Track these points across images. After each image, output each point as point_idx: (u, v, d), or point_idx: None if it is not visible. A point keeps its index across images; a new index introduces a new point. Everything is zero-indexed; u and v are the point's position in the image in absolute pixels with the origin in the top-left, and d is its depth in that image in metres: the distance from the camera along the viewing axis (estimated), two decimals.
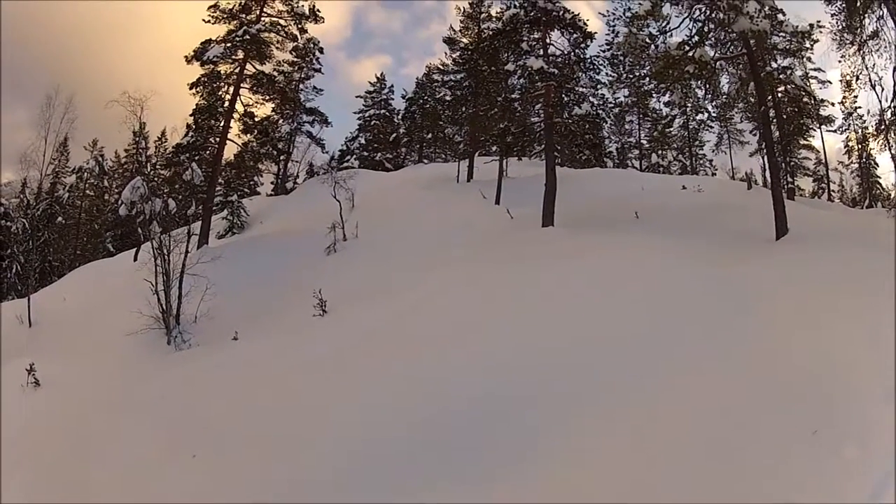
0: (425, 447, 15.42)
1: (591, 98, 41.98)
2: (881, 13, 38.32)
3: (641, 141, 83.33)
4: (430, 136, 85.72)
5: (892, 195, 54.04)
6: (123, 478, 17.90)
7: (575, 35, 40.13)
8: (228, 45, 49.45)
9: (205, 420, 20.02)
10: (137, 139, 75.54)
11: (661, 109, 78.73)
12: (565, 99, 40.73)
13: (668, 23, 34.17)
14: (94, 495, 17.45)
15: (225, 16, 50.20)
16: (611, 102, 74.83)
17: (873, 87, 41.29)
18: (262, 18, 50.73)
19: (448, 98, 72.51)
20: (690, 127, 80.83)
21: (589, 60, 41.19)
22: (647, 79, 40.39)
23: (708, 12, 32.82)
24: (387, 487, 14.44)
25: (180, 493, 16.33)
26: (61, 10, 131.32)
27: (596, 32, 41.07)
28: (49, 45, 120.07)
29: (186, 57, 49.44)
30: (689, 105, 60.70)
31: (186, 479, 16.96)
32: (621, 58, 65.54)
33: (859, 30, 40.13)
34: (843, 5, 40.31)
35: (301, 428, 17.95)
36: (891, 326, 15.29)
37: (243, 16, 50.17)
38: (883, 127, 41.98)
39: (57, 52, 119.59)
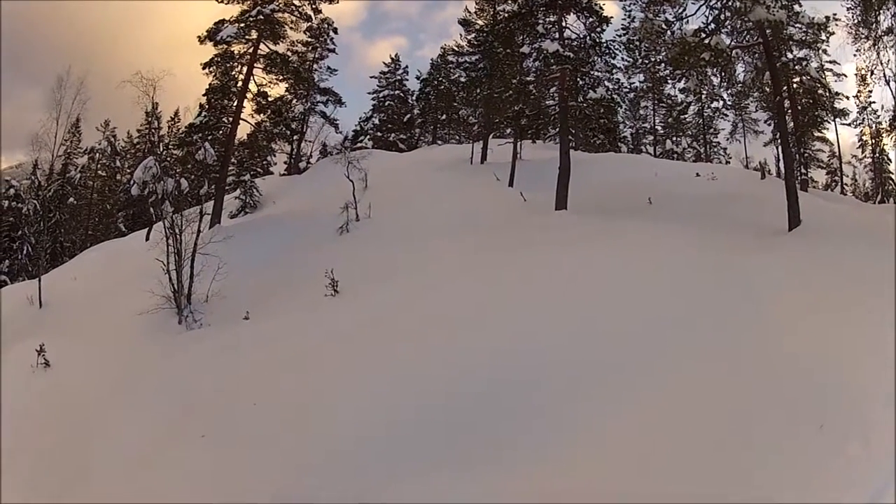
0: (432, 430, 15.49)
1: (606, 82, 42.09)
2: None
3: (656, 127, 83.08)
4: (444, 117, 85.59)
5: None
6: (134, 458, 17.98)
7: (591, 19, 40.06)
8: (242, 25, 49.21)
9: (214, 400, 20.12)
10: (150, 119, 75.48)
11: (676, 96, 78.25)
12: (580, 83, 40.70)
13: (684, 9, 34.05)
14: (105, 475, 17.51)
15: None
16: (626, 87, 75.11)
17: (888, 82, 41.32)
18: None
19: (463, 79, 72.30)
20: (705, 114, 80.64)
21: (605, 45, 41.20)
22: (663, 65, 40.32)
23: (725, 0, 32.69)
24: (395, 469, 14.47)
25: (189, 473, 16.39)
26: None
27: (612, 17, 40.93)
28: (63, 26, 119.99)
29: (200, 37, 49.31)
30: (705, 92, 60.40)
31: (195, 459, 17.05)
32: (637, 43, 65.69)
33: (875, 25, 40.14)
34: (859, 0, 40.24)
35: (310, 409, 18.02)
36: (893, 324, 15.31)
37: None
38: None
39: (71, 33, 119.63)
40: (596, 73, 41.45)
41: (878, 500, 10.95)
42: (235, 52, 49.76)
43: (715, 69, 34.84)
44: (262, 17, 49.20)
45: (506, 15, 50.09)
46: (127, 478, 17.17)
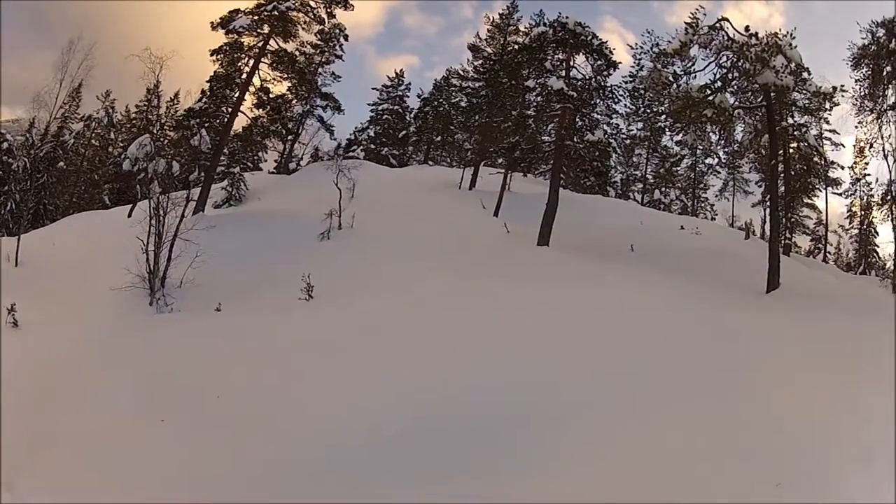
0: (403, 441, 15.38)
1: (605, 126, 42.20)
2: None
3: (647, 175, 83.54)
4: (439, 138, 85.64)
5: (889, 265, 54.25)
6: (92, 435, 17.78)
7: (599, 62, 40.43)
8: (255, 17, 49.50)
9: (178, 386, 19.92)
10: (150, 96, 75.35)
11: (671, 147, 79.09)
12: (579, 123, 40.94)
13: (693, 64, 34.46)
14: (63, 448, 17.35)
15: None
16: (623, 133, 75.29)
17: (885, 157, 41.63)
18: None
19: (463, 104, 72.64)
20: (698, 169, 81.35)
21: (609, 89, 41.45)
22: (664, 116, 40.51)
23: (735, 59, 33.00)
24: (355, 477, 14.42)
25: (144, 455, 16.25)
26: None
27: (620, 62, 41.28)
28: None
29: (212, 23, 49.52)
30: (701, 148, 60.85)
31: (154, 442, 16.86)
32: (642, 91, 65.84)
33: (881, 98, 40.45)
34: (869, 72, 40.58)
35: (269, 407, 17.88)
36: (868, 390, 15.59)
37: None
38: (889, 197, 42.24)
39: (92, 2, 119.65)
40: (596, 116, 41.76)
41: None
42: (245, 43, 50.00)
43: (715, 126, 35.19)
44: (276, 12, 49.46)
45: (515, 47, 50.67)
46: (81, 453, 17.04)
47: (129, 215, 45.22)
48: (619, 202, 69.58)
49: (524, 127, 41.96)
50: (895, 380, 16.15)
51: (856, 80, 41.38)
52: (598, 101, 41.44)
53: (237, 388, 19.36)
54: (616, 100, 42.30)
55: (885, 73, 40.01)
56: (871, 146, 44.50)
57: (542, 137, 43.35)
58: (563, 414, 16.03)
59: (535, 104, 42.05)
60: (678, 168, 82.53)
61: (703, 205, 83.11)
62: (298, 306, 27.72)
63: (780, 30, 34.10)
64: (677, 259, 35.62)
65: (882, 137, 41.44)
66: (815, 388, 16.79)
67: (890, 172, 41.76)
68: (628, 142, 78.77)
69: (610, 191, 77.44)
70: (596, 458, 14.29)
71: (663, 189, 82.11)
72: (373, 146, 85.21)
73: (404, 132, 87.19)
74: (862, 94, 41.36)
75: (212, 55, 49.77)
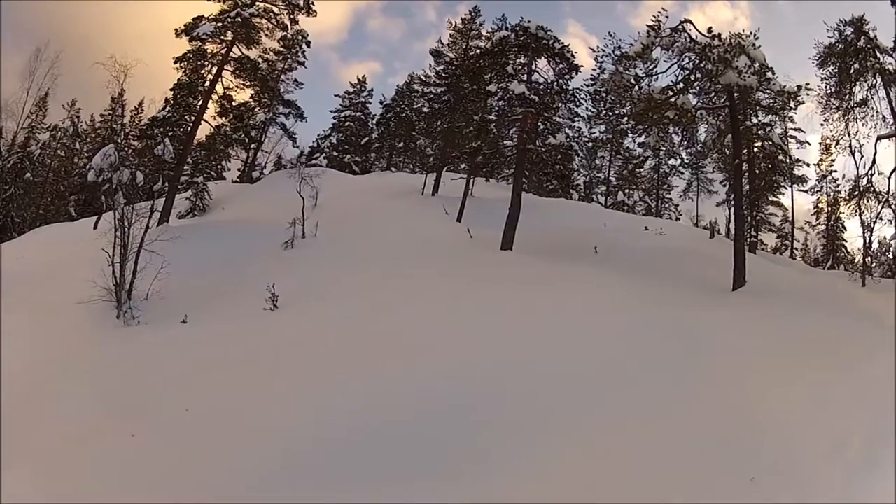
0: (368, 446, 15.47)
1: (566, 129, 42.36)
2: (874, 83, 39.08)
3: (610, 177, 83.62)
4: (401, 144, 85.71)
5: (857, 259, 54.60)
6: (61, 445, 17.77)
7: (561, 65, 40.50)
8: (219, 24, 49.28)
9: (146, 399, 19.89)
10: (115, 105, 74.96)
11: (634, 149, 79.02)
12: (541, 127, 41.00)
13: (655, 66, 34.65)
14: (31, 457, 17.31)
15: None
16: (586, 136, 75.33)
17: (853, 153, 41.94)
18: (256, 3, 50.60)
19: (425, 110, 72.68)
20: (661, 170, 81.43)
21: (571, 92, 41.65)
22: (626, 118, 40.72)
23: (697, 61, 33.18)
24: (322, 484, 14.45)
25: (113, 465, 16.22)
26: None
27: (583, 66, 41.47)
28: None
29: (176, 30, 49.30)
30: (664, 149, 61.06)
31: (120, 452, 16.82)
32: (604, 94, 66.18)
33: (848, 96, 40.82)
34: (836, 70, 40.94)
35: (231, 417, 17.93)
36: (834, 384, 15.78)
37: None
38: (856, 193, 42.56)
39: (61, 8, 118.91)
40: (558, 119, 41.82)
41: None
42: (208, 50, 49.79)
43: (677, 127, 35.37)
44: (240, 19, 49.34)
45: (477, 51, 50.62)
46: (50, 462, 17.01)
47: (95, 227, 45.01)
48: (582, 205, 69.72)
49: (486, 132, 42.01)
50: (863, 373, 16.43)
51: (822, 79, 41.78)
52: (560, 104, 41.54)
53: (203, 398, 19.36)
54: (578, 103, 42.63)
55: (852, 70, 40.41)
56: (837, 143, 44.75)
57: (504, 142, 43.35)
58: (526, 416, 16.18)
59: (496, 109, 42.15)
60: (641, 169, 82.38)
61: (667, 205, 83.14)
62: (264, 316, 27.65)
63: (743, 31, 34.40)
64: (642, 259, 35.81)
65: (849, 134, 41.77)
66: (783, 384, 16.98)
67: (857, 168, 42.13)
68: (591, 144, 78.82)
69: (573, 193, 77.55)
70: (559, 459, 14.41)
71: (627, 191, 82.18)
72: (335, 153, 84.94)
73: (367, 139, 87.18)
74: (828, 91, 41.73)
75: (175, 63, 49.45)
